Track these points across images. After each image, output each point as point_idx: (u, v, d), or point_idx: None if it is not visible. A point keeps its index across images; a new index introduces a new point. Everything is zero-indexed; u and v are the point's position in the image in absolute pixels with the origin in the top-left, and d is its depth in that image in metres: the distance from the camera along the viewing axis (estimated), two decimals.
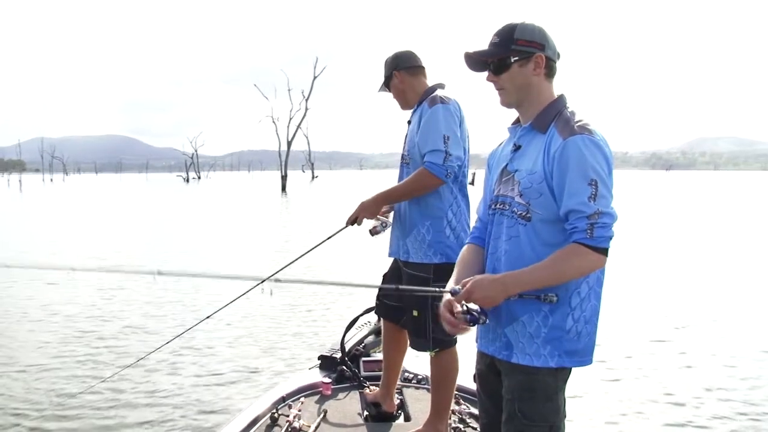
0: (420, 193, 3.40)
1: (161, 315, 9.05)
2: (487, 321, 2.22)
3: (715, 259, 14.59)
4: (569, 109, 2.26)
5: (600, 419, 5.39)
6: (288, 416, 3.59)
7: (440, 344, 3.45)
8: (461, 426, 3.59)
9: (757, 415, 5.40)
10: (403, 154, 3.63)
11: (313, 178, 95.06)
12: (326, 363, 4.32)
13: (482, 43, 2.33)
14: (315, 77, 64.61)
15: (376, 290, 3.84)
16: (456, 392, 3.65)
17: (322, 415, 3.67)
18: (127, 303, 9.87)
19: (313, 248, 3.79)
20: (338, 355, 4.26)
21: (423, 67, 3.65)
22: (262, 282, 3.96)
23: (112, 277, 12.00)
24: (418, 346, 3.54)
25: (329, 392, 3.99)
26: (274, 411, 3.66)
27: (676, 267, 13.45)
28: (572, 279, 2.16)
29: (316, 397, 3.95)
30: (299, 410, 3.69)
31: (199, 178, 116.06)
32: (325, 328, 8.10)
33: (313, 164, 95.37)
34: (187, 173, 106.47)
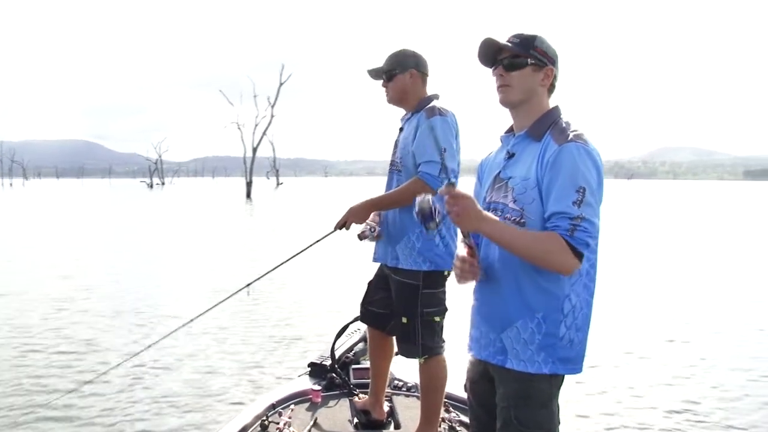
0: (411, 202, 3.40)
1: (119, 326, 8.73)
2: (432, 231, 2.25)
3: (686, 268, 14.87)
4: (564, 120, 2.30)
5: (589, 427, 5.47)
6: (278, 423, 3.59)
7: (429, 351, 3.47)
8: None
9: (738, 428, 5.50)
10: (393, 161, 3.63)
11: (278, 184, 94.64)
12: (316, 370, 4.30)
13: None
14: (281, 84, 64.36)
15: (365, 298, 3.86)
16: (445, 400, 3.67)
17: (312, 423, 3.66)
18: (82, 314, 9.44)
19: (299, 252, 3.80)
20: (328, 362, 4.25)
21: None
22: (248, 286, 3.96)
23: (64, 286, 11.68)
24: (407, 353, 3.55)
25: (319, 400, 3.98)
26: (264, 418, 3.64)
27: (649, 275, 13.66)
28: (539, 261, 2.17)
29: (306, 405, 3.94)
30: (289, 417, 3.69)
31: (163, 184, 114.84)
32: (315, 336, 8.02)
33: (278, 171, 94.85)
34: (151, 179, 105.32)
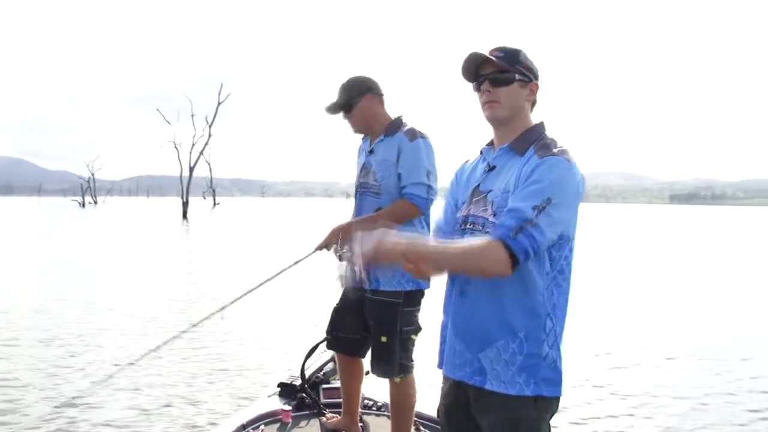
0: (398, 223, 3.45)
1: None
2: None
3: (634, 291, 15.05)
4: (549, 137, 2.24)
5: None
6: None
7: (405, 370, 3.53)
8: None
9: None
10: (368, 183, 3.63)
11: (214, 204, 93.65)
12: (286, 390, 4.28)
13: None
14: (219, 103, 63.92)
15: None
16: (415, 418, 3.70)
17: None
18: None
19: (278, 274, 3.75)
20: (298, 382, 4.23)
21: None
22: (222, 309, 3.91)
23: None
24: (384, 373, 3.58)
25: (289, 420, 3.96)
26: None
27: (600, 299, 13.63)
28: (468, 274, 2.12)
29: (277, 425, 3.92)
30: None
31: (96, 203, 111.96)
32: (284, 356, 7.87)
33: (214, 191, 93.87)
34: (83, 197, 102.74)
